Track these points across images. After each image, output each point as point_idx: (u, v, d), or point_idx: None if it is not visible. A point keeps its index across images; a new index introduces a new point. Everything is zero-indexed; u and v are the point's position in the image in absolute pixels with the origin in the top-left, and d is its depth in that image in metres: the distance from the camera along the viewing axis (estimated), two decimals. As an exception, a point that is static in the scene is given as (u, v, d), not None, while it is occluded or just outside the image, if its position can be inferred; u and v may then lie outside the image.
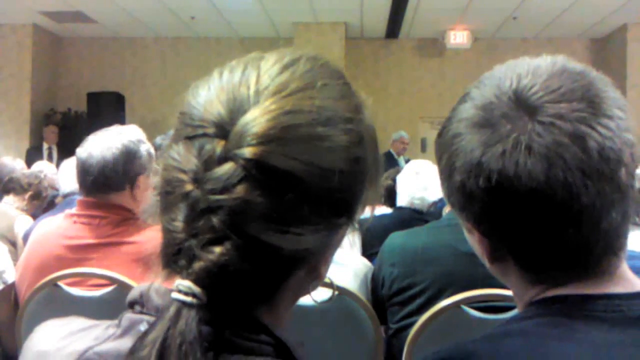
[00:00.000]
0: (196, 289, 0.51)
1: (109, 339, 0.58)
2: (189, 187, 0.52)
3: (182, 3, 7.61)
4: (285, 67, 0.57)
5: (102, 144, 1.75)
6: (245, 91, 0.55)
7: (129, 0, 7.48)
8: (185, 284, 0.51)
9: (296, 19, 8.26)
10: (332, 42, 8.29)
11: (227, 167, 0.51)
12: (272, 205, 0.51)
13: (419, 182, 2.69)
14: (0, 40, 8.54)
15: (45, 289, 1.63)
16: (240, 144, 0.52)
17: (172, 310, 0.51)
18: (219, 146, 0.52)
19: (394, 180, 3.04)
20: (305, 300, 1.59)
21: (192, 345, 0.49)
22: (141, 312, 0.59)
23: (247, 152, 0.51)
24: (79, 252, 1.69)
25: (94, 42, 9.32)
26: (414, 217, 2.69)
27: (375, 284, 1.80)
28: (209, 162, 0.52)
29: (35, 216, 3.24)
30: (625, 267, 0.68)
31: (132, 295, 0.61)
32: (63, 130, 8.12)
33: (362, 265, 1.88)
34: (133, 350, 0.51)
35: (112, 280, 1.59)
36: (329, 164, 0.54)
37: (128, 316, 0.59)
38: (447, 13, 7.93)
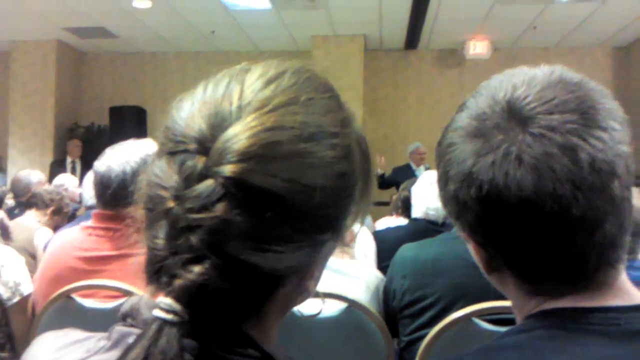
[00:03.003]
0: (177, 307, 0.50)
1: (99, 351, 0.58)
2: (170, 204, 0.52)
3: (202, 18, 7.70)
4: (269, 82, 0.57)
5: (122, 157, 1.77)
6: (228, 106, 0.55)
7: (150, 16, 7.59)
8: (166, 301, 0.51)
9: (315, 32, 8.30)
10: (350, 54, 8.31)
11: (207, 185, 0.51)
12: (251, 224, 0.51)
13: (434, 193, 2.67)
14: (26, 56, 8.72)
15: (59, 301, 1.65)
16: (220, 161, 0.51)
17: (154, 327, 0.50)
18: (199, 163, 0.52)
19: (411, 192, 3.03)
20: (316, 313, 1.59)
21: None
22: (132, 325, 0.59)
23: (227, 169, 0.51)
24: (94, 264, 1.71)
25: (116, 57, 9.46)
26: (429, 228, 2.66)
27: (386, 296, 1.78)
28: (190, 179, 0.52)
29: (56, 229, 3.30)
30: (624, 279, 0.67)
31: (124, 308, 0.61)
32: (86, 144, 8.24)
33: (374, 277, 1.87)
34: None
35: (125, 292, 1.60)
36: (311, 181, 0.53)
37: (118, 329, 0.59)
38: (467, 23, 7.90)
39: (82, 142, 8.28)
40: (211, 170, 0.51)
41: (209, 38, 8.64)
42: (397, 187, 4.99)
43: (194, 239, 0.50)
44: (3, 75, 9.07)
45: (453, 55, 9.06)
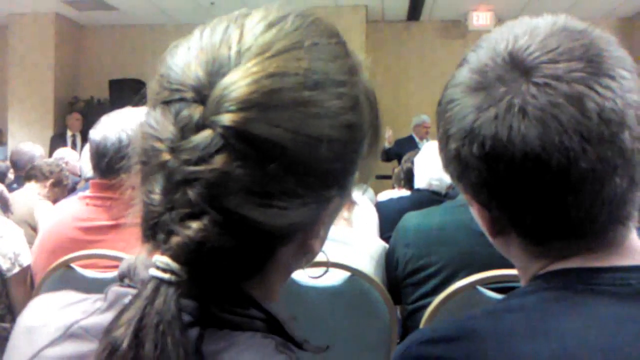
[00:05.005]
0: (174, 265, 0.48)
1: (95, 313, 0.56)
2: (165, 156, 0.49)
3: (201, -12, 7.60)
4: (270, 25, 0.53)
5: (118, 125, 1.74)
6: (226, 52, 0.51)
7: (148, -14, 7.49)
8: (162, 259, 0.48)
9: (316, 3, 8.16)
10: (352, 25, 8.20)
11: (205, 135, 0.48)
12: (253, 177, 0.48)
13: (437, 163, 2.64)
14: (24, 30, 8.63)
15: (58, 271, 1.64)
16: (219, 110, 0.48)
17: (150, 287, 0.48)
18: (196, 112, 0.49)
19: (413, 163, 3.00)
20: (319, 281, 1.58)
21: (170, 324, 0.46)
22: (129, 286, 0.56)
23: (226, 119, 0.47)
24: (92, 234, 1.69)
25: (115, 30, 9.36)
26: (432, 199, 2.64)
27: (389, 264, 1.77)
28: (186, 130, 0.49)
29: (56, 202, 3.28)
30: (634, 237, 0.64)
31: (121, 268, 0.59)
32: (86, 117, 8.18)
33: (378, 246, 1.85)
34: (109, 330, 0.48)
35: (125, 262, 1.58)
36: (316, 132, 0.50)
37: (114, 289, 0.57)
38: (470, -7, 7.78)
39: (82, 115, 8.22)
40: (209, 119, 0.48)
41: (208, 9, 8.53)
42: (399, 159, 4.95)
43: (191, 193, 0.48)
44: (1, 49, 8.99)
45: (456, 27, 8.95)
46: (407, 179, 3.30)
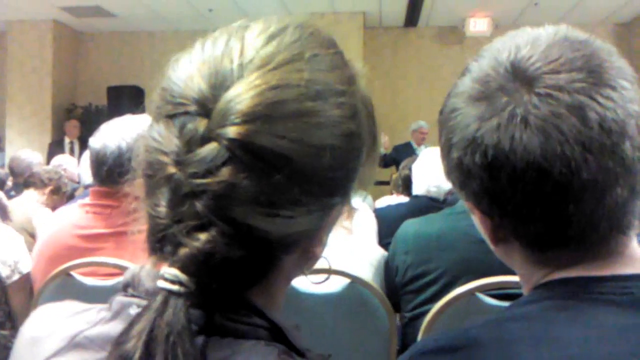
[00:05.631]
0: (183, 277, 0.48)
1: (100, 322, 0.56)
2: (171, 169, 0.50)
3: (199, -5, 7.62)
4: (271, 37, 0.54)
5: (117, 133, 1.74)
6: (229, 64, 0.52)
7: (146, -7, 7.50)
8: (171, 271, 0.49)
9: (314, 9, 8.21)
10: (350, 31, 8.23)
11: (210, 148, 0.48)
12: (259, 188, 0.48)
13: (435, 170, 2.64)
14: (22, 36, 8.64)
15: (58, 279, 1.63)
16: (224, 122, 0.48)
17: (159, 299, 0.48)
18: (201, 125, 0.49)
19: (411, 170, 3.00)
20: (319, 289, 1.58)
21: (181, 335, 0.47)
22: (132, 295, 0.57)
23: (231, 131, 0.48)
24: (92, 242, 1.69)
25: (113, 37, 9.37)
26: (431, 205, 2.64)
27: (388, 272, 1.77)
28: (191, 143, 0.49)
29: (54, 209, 3.28)
30: (635, 247, 0.65)
31: (125, 277, 0.59)
32: (84, 124, 8.19)
33: (377, 254, 1.86)
34: (119, 342, 0.48)
35: (125, 270, 1.58)
36: (319, 141, 0.51)
37: (118, 299, 0.57)
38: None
39: (80, 122, 8.23)
40: (214, 132, 0.49)
41: (206, 16, 8.55)
42: (397, 165, 4.96)
43: (199, 205, 0.48)
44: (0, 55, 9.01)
45: (454, 33, 8.98)
46: (405, 185, 3.31)
